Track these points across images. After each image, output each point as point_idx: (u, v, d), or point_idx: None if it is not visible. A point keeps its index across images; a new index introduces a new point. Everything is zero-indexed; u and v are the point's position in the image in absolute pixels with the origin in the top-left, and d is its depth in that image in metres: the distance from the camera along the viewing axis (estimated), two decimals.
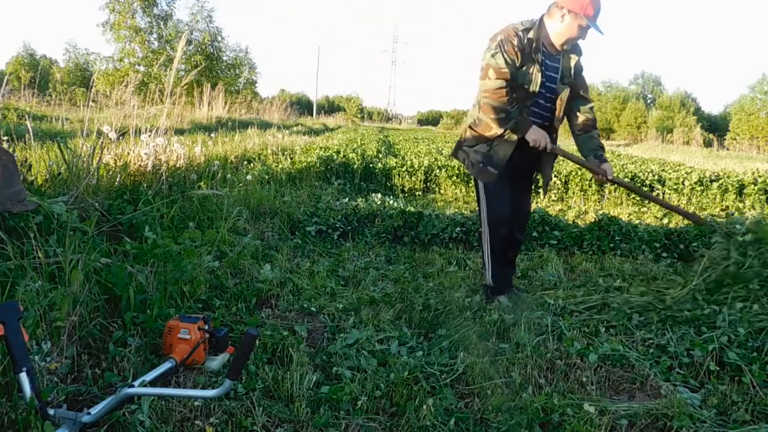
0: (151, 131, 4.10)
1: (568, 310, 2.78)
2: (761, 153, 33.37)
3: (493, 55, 2.67)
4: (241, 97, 24.53)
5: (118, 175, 3.42)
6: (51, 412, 1.54)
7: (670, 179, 7.31)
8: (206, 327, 2.03)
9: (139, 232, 2.76)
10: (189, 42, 24.77)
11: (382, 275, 3.39)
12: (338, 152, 8.04)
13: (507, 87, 2.66)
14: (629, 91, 52.51)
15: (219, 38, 26.58)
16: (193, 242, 2.97)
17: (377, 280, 3.28)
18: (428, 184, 7.14)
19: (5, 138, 3.33)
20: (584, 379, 2.08)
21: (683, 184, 7.19)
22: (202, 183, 4.26)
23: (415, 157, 8.10)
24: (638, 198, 6.83)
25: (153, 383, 1.77)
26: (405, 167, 7.13)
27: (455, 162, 7.23)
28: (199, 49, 25.44)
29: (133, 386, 1.65)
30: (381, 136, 17.49)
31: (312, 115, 44.33)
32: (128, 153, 3.81)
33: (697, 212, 6.42)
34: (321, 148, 9.01)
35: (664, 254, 4.09)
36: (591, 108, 2.97)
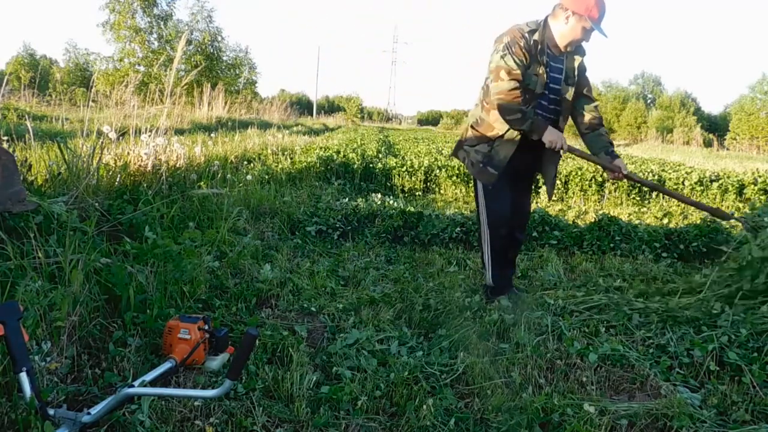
0: (151, 131, 4.10)
1: (568, 310, 2.78)
2: (761, 153, 33.38)
3: (502, 57, 2.66)
4: (241, 97, 24.53)
5: (118, 175, 3.42)
6: (51, 412, 1.54)
7: (670, 179, 7.31)
8: (206, 327, 2.03)
9: (139, 232, 2.76)
10: (189, 42, 24.77)
11: (382, 275, 3.39)
12: (338, 152, 8.04)
13: (520, 88, 2.66)
14: (629, 91, 52.49)
15: (219, 38, 26.59)
16: (193, 242, 2.97)
17: (377, 280, 3.28)
18: (428, 184, 7.14)
19: (5, 138, 3.33)
20: (584, 379, 2.08)
21: (683, 184, 7.19)
22: (202, 183, 4.26)
23: (415, 157, 8.10)
24: (638, 198, 6.84)
25: (153, 383, 1.77)
26: (405, 167, 7.13)
27: (455, 162, 7.23)
28: (199, 49, 25.44)
29: (133, 386, 1.65)
30: (381, 136, 17.49)
31: (312, 115, 44.33)
32: (128, 153, 3.81)
33: (697, 212, 6.42)
34: (321, 148, 9.01)
35: (664, 254, 4.09)
36: (596, 107, 2.97)
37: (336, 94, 73.60)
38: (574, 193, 6.91)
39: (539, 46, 2.70)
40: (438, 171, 7.13)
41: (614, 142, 3.06)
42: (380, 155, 9.08)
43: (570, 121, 3.00)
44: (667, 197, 7.05)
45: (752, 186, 6.96)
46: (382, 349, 2.28)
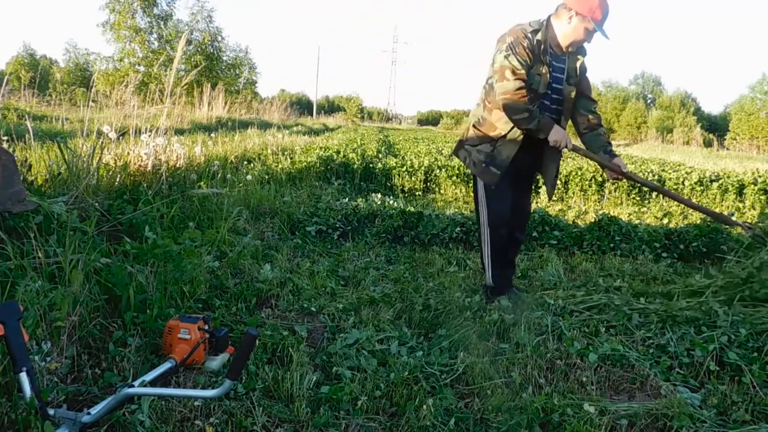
0: (151, 131, 4.10)
1: (568, 310, 2.78)
2: (761, 153, 33.39)
3: (506, 57, 2.67)
4: (241, 97, 24.53)
5: (118, 175, 3.42)
6: (51, 412, 1.54)
7: (670, 179, 7.31)
8: (206, 327, 2.03)
9: (139, 232, 2.76)
10: (189, 42, 24.77)
11: (382, 275, 3.39)
12: (338, 152, 8.04)
13: (525, 87, 2.66)
14: (629, 91, 52.51)
15: (219, 38, 26.60)
16: (193, 242, 2.97)
17: (377, 280, 3.28)
18: (428, 184, 7.14)
19: (5, 138, 3.33)
20: (584, 379, 2.08)
21: (683, 184, 7.19)
22: (202, 183, 4.26)
23: (415, 157, 8.10)
24: (638, 198, 6.83)
25: (153, 383, 1.77)
26: (405, 167, 7.13)
27: (455, 162, 7.23)
28: (199, 49, 25.44)
29: (133, 386, 1.65)
30: (381, 136, 17.49)
31: (312, 115, 44.34)
32: (128, 153, 3.81)
33: (697, 212, 6.42)
34: (321, 148, 9.01)
35: (664, 254, 4.09)
36: (595, 107, 2.98)
37: (336, 94, 73.72)
38: (574, 193, 6.91)
39: (542, 46, 2.70)
40: (438, 171, 7.13)
41: (614, 142, 3.08)
42: (380, 155, 9.09)
43: (569, 120, 3.00)
44: (667, 197, 7.07)
45: (752, 186, 6.96)
46: (382, 349, 2.28)
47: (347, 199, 5.21)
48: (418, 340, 2.43)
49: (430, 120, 77.13)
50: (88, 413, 1.56)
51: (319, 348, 2.32)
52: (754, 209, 6.63)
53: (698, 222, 4.46)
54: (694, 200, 6.99)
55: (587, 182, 6.88)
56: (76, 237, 2.28)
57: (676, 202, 6.92)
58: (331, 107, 61.19)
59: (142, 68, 23.18)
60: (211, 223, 3.70)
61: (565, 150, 2.79)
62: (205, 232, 3.28)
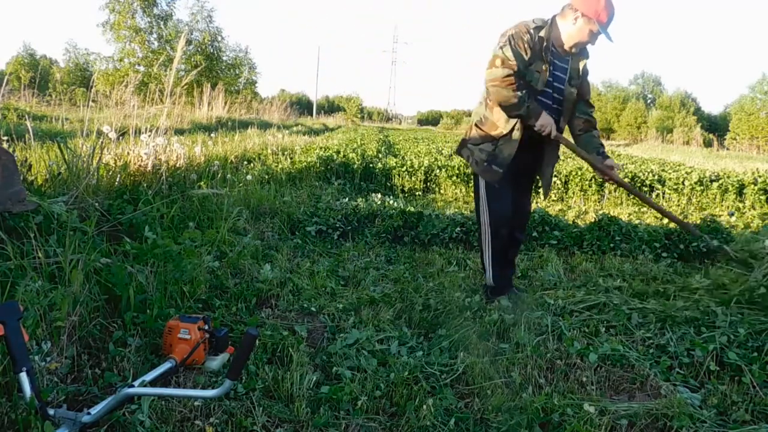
0: (151, 131, 4.10)
1: (568, 310, 2.78)
2: (761, 153, 33.38)
3: (501, 47, 2.67)
4: (241, 97, 24.54)
5: (118, 175, 3.42)
6: (51, 412, 1.54)
7: (670, 179, 7.30)
8: (206, 327, 2.03)
9: (139, 232, 2.76)
10: (189, 42, 24.78)
11: (382, 275, 3.39)
12: (338, 152, 8.04)
13: (514, 76, 2.65)
14: (629, 91, 52.52)
15: (219, 38, 26.61)
16: (193, 242, 2.97)
17: (377, 280, 3.28)
18: (428, 184, 7.14)
19: (5, 138, 3.33)
20: (584, 379, 2.08)
21: (683, 184, 7.19)
22: (202, 183, 4.26)
23: (415, 157, 8.10)
24: (638, 198, 6.83)
25: (153, 383, 1.77)
26: (405, 167, 7.13)
27: (455, 162, 7.23)
28: (199, 49, 25.44)
29: (133, 386, 1.65)
30: (381, 136, 17.49)
31: (312, 115, 44.35)
32: (128, 153, 3.81)
33: (697, 212, 6.42)
34: (321, 148, 9.01)
35: (664, 254, 4.09)
36: (592, 112, 3.00)
37: (336, 94, 73.75)
38: (574, 193, 6.91)
39: (544, 44, 2.70)
40: (438, 171, 7.13)
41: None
42: (380, 155, 9.09)
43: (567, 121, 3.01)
44: (667, 197, 7.07)
45: (752, 186, 6.96)
46: (382, 349, 2.28)
47: (347, 199, 5.21)
48: (418, 340, 2.43)
49: (430, 120, 77.16)
50: (88, 413, 1.56)
51: (319, 348, 2.32)
52: (754, 209, 6.63)
53: (698, 222, 4.46)
54: (694, 200, 7.02)
55: (587, 182, 6.88)
56: (76, 237, 2.28)
57: (676, 202, 6.94)
58: (331, 107, 61.21)
59: (142, 68, 23.19)
60: (211, 223, 3.70)
61: (565, 150, 2.79)
62: (205, 232, 3.28)
